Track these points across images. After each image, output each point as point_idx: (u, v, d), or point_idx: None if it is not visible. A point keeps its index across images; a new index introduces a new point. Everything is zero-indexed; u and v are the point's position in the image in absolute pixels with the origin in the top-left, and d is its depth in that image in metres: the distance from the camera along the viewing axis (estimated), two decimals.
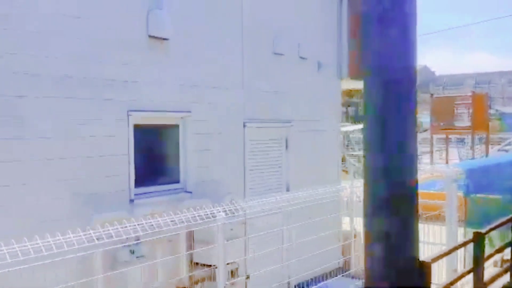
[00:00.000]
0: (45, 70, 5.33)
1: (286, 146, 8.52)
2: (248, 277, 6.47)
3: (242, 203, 5.86)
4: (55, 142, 5.36)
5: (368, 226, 3.54)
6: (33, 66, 5.22)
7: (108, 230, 4.97)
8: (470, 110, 20.51)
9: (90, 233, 4.77)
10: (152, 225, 5.32)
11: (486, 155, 18.97)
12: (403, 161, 3.45)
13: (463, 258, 8.03)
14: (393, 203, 3.40)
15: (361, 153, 24.76)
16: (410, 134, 3.44)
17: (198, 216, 5.51)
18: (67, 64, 5.51)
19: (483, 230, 6.47)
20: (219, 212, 5.16)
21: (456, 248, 6.66)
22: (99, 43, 5.83)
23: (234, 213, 5.49)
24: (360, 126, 27.17)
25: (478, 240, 6.37)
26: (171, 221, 5.49)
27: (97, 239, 4.81)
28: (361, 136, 30.44)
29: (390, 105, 3.40)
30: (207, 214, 5.37)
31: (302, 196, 6.93)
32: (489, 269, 7.59)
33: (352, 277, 8.42)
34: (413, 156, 3.48)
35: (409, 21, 3.45)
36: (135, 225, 5.30)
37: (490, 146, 22.04)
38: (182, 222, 5.48)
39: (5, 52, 5.04)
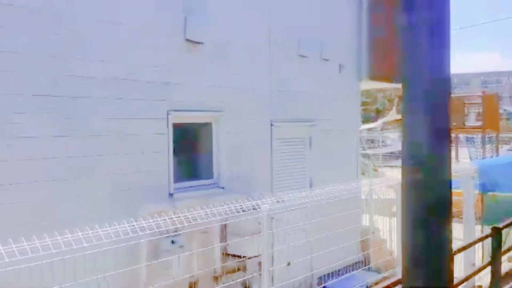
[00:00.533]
0: (95, 73, 5.74)
1: (310, 145, 8.91)
2: (289, 264, 6.87)
3: (280, 196, 6.21)
4: (105, 139, 5.78)
5: (407, 232, 3.84)
6: (84, 69, 5.63)
7: (155, 221, 5.37)
8: (481, 110, 20.76)
9: (134, 225, 5.17)
10: (193, 217, 5.72)
11: (497, 155, 19.26)
12: (439, 170, 3.76)
13: (481, 254, 8.38)
14: (431, 211, 3.70)
15: (368, 151, 25.11)
16: (446, 143, 3.78)
17: (235, 209, 5.90)
18: (114, 67, 5.92)
19: (500, 225, 6.84)
20: (264, 204, 5.54)
21: (474, 242, 7.03)
22: (142, 47, 6.24)
23: (279, 203, 5.87)
24: (369, 125, 27.46)
25: (496, 234, 6.74)
26: (211, 213, 5.89)
27: (142, 230, 5.20)
28: (370, 134, 30.74)
29: (427, 115, 3.73)
30: (248, 207, 5.76)
31: (325, 193, 7.30)
32: (504, 263, 7.95)
33: (372, 271, 8.78)
34: (447, 164, 3.79)
35: (446, 33, 3.81)
36: (177, 217, 5.71)
37: (499, 146, 22.32)
38: (221, 214, 5.88)
39: (61, 56, 5.45)
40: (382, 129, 30.98)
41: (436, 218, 3.76)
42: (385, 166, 23.52)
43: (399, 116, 27.03)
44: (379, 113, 38.29)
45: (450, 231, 4.00)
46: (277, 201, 5.73)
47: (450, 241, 3.95)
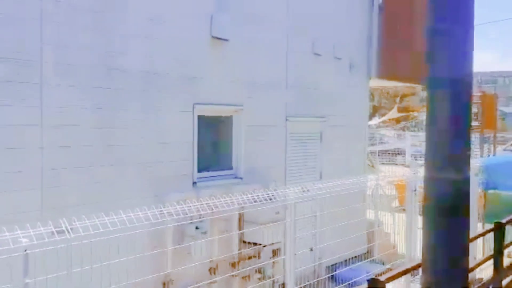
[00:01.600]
0: (129, 66, 6.08)
1: (321, 139, 9.28)
2: (311, 249, 7.25)
3: (305, 186, 6.54)
4: (138, 130, 6.13)
5: (427, 225, 4.19)
6: (124, 64, 5.99)
7: (181, 207, 5.72)
8: (479, 110, 21.12)
9: (163, 210, 5.51)
10: (215, 205, 6.07)
11: (494, 154, 19.68)
12: (458, 165, 4.10)
13: (482, 249, 8.77)
14: (451, 207, 4.04)
15: (371, 147, 25.50)
16: (467, 143, 4.14)
17: (254, 198, 6.26)
18: (149, 61, 6.27)
19: (503, 221, 7.24)
20: (291, 193, 5.92)
21: (477, 237, 7.43)
22: (172, 43, 6.58)
23: (306, 192, 6.23)
24: (372, 121, 27.80)
25: (499, 229, 7.14)
26: (231, 202, 6.24)
27: (169, 215, 5.54)
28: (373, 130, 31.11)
29: (451, 115, 4.08)
30: (267, 197, 6.12)
31: (336, 186, 7.65)
32: (504, 258, 8.34)
33: (377, 262, 9.15)
34: (467, 159, 4.14)
35: (470, 36, 4.15)
36: (201, 205, 6.06)
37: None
38: (242, 203, 6.24)
39: (104, 51, 5.80)
40: (378, 127, 31.33)
41: (455, 212, 4.13)
42: (382, 163, 23.92)
43: (399, 114, 27.43)
44: (376, 111, 38.60)
45: (468, 223, 4.39)
46: (303, 191, 6.09)
47: (467, 232, 4.34)
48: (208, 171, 7.23)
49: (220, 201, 6.13)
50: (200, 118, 6.99)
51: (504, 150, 27.01)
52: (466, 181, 4.19)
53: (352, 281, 7.32)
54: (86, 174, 5.65)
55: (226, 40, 7.24)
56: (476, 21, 4.41)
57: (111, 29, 5.90)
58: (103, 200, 5.63)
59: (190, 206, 5.93)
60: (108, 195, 5.77)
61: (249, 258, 7.31)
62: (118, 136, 5.96)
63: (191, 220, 6.31)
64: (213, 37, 7.09)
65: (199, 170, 6.99)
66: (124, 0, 6.09)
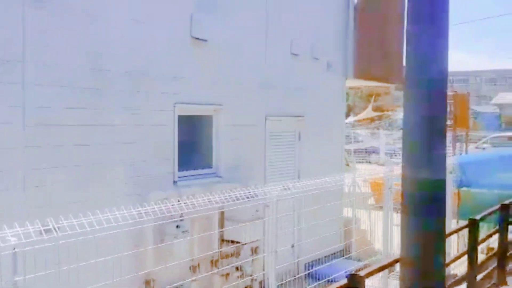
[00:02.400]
0: (111, 66, 6.10)
1: (299, 138, 9.40)
2: (292, 246, 7.35)
3: (286, 184, 6.63)
4: (120, 129, 6.15)
5: (404, 217, 4.33)
6: (108, 64, 6.00)
7: (163, 206, 5.76)
8: (452, 109, 21.50)
9: (141, 210, 5.54)
10: (197, 204, 6.13)
11: (466, 152, 20.10)
12: (435, 165, 4.25)
13: (457, 245, 9.01)
14: (427, 205, 4.18)
15: (347, 146, 25.78)
16: (442, 134, 4.30)
17: (235, 196, 6.33)
18: (131, 61, 6.29)
19: (477, 217, 7.46)
20: (273, 190, 6.00)
21: (452, 233, 7.63)
22: (152, 43, 6.61)
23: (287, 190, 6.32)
24: (348, 120, 28.11)
25: (473, 225, 7.36)
26: (211, 200, 6.30)
27: (147, 215, 5.56)
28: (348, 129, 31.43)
29: (427, 115, 4.22)
30: (247, 195, 6.20)
31: (314, 184, 7.77)
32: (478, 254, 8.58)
33: (354, 259, 9.32)
34: (443, 159, 4.29)
35: (445, 37, 4.29)
36: (184, 204, 6.11)
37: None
38: (222, 202, 6.31)
39: (88, 52, 5.80)
40: (353, 126, 31.71)
41: (431, 210, 4.26)
42: (357, 161, 24.21)
43: (373, 114, 27.80)
44: (350, 110, 39.06)
45: (443, 220, 4.53)
46: (284, 189, 6.19)
47: (443, 229, 4.48)
48: (189, 170, 7.28)
49: (203, 199, 6.20)
50: (181, 117, 7.04)
51: (476, 148, 27.63)
52: (442, 179, 4.35)
53: (330, 277, 7.45)
54: (69, 174, 5.65)
55: (206, 40, 7.29)
56: (450, 21, 4.58)
57: (93, 29, 5.90)
58: (87, 200, 5.64)
59: (172, 205, 5.99)
60: (92, 194, 5.78)
61: (227, 256, 7.37)
62: (101, 136, 5.97)
63: (172, 219, 6.35)
64: (193, 37, 7.14)
65: (180, 169, 7.03)
66: (106, 1, 6.09)
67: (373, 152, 28.73)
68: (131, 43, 6.32)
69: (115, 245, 5.03)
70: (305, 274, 8.02)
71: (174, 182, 6.91)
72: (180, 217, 6.55)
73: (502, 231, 8.20)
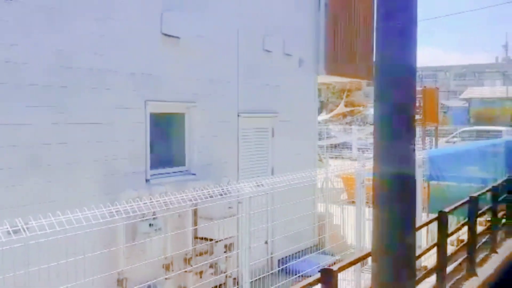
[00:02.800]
0: (81, 64, 6.02)
1: (272, 135, 9.44)
2: (266, 242, 7.37)
3: (259, 181, 6.66)
4: (90, 127, 6.08)
5: (375, 211, 4.40)
6: (75, 61, 5.92)
7: (134, 205, 5.72)
8: (422, 103, 21.81)
9: (111, 209, 5.49)
10: (169, 202, 6.11)
11: (436, 147, 20.44)
12: (405, 159, 4.32)
13: (426, 237, 9.18)
14: (398, 199, 4.26)
15: (320, 142, 25.98)
16: (412, 129, 4.38)
17: (209, 194, 6.33)
18: (97, 59, 6.21)
19: (446, 210, 7.62)
20: (246, 187, 6.01)
21: (422, 226, 7.78)
22: (123, 40, 6.54)
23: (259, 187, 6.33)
24: (320, 117, 28.34)
25: (442, 218, 7.52)
26: (187, 198, 6.28)
27: (119, 214, 5.51)
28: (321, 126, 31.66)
29: (397, 111, 4.30)
30: (220, 192, 6.20)
31: (287, 180, 7.82)
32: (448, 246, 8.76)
33: (327, 254, 9.41)
34: (413, 153, 4.37)
35: (413, 29, 4.37)
36: (157, 202, 6.08)
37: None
38: (196, 200, 6.30)
39: (54, 49, 5.71)
40: (326, 122, 31.95)
41: (402, 203, 4.34)
42: (330, 157, 24.41)
43: (346, 109, 28.06)
44: (323, 106, 39.35)
45: (414, 213, 4.61)
46: (257, 185, 6.21)
47: (414, 222, 4.56)
48: (162, 168, 7.24)
49: (176, 197, 6.18)
50: (153, 115, 6.99)
51: (446, 142, 28.13)
52: (412, 173, 4.44)
53: (304, 272, 7.52)
54: (39, 174, 5.57)
55: (177, 37, 7.25)
56: (419, 17, 4.66)
57: (62, 27, 5.81)
58: (57, 199, 5.57)
59: (144, 203, 5.95)
60: (62, 194, 5.71)
61: (201, 254, 7.37)
62: (71, 134, 5.89)
63: (145, 217, 6.31)
64: (163, 34, 7.09)
65: (152, 167, 6.99)
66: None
67: (346, 147, 29.05)
68: (100, 40, 6.25)
69: (86, 244, 5.01)
70: (279, 270, 8.07)
71: (147, 180, 6.86)
72: (153, 215, 6.52)
73: (471, 224, 8.39)
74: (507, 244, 10.10)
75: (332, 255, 9.40)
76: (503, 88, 50.22)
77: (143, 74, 6.83)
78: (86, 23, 6.10)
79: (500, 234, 10.24)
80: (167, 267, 6.90)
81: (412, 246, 4.47)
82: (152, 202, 6.04)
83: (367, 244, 8.43)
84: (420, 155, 9.76)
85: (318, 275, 4.87)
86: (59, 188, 5.75)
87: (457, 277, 8.11)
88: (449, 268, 7.87)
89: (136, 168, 6.72)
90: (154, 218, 6.52)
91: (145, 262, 6.07)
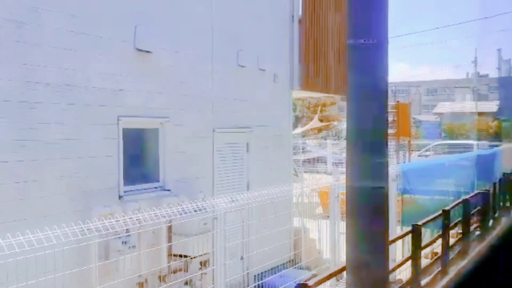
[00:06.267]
0: (50, 79, 5.94)
1: (247, 149, 9.43)
2: (242, 258, 7.30)
3: (233, 196, 6.63)
4: (59, 144, 5.97)
5: (348, 224, 4.42)
6: (40, 76, 5.82)
7: (108, 222, 5.63)
8: (395, 118, 22.12)
9: (88, 226, 5.40)
10: (143, 219, 6.03)
11: (409, 160, 20.70)
12: (377, 173, 4.36)
13: (401, 251, 9.23)
14: (371, 213, 4.28)
15: (295, 157, 26.06)
16: (384, 143, 4.43)
17: (183, 210, 6.27)
18: (68, 73, 6.13)
19: (419, 223, 7.69)
20: (221, 203, 5.97)
21: (397, 239, 7.83)
22: (94, 55, 6.48)
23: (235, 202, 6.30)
24: (295, 131, 28.47)
25: (416, 231, 7.58)
26: (158, 215, 6.21)
27: (90, 232, 5.42)
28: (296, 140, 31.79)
29: (369, 125, 4.34)
30: (195, 208, 6.15)
31: (263, 195, 7.81)
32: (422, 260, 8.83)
33: (303, 268, 9.39)
34: (385, 167, 4.41)
35: (385, 50, 4.44)
36: (129, 219, 5.99)
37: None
38: (170, 216, 6.23)
39: (18, 63, 5.61)
40: (301, 136, 32.10)
41: (375, 217, 4.36)
42: (305, 171, 24.49)
43: (320, 124, 28.25)
44: (298, 121, 39.55)
45: (387, 227, 4.63)
46: (232, 201, 6.17)
47: (387, 235, 4.58)
48: (135, 184, 7.15)
49: (150, 214, 6.10)
50: (126, 130, 6.91)
51: (419, 156, 28.52)
52: (384, 187, 4.46)
53: None
54: (8, 191, 5.43)
55: (150, 52, 7.22)
56: (390, 33, 4.73)
57: (29, 41, 5.73)
58: (27, 217, 5.44)
59: (117, 220, 5.86)
60: (32, 212, 5.58)
61: (176, 271, 7.26)
62: (40, 152, 5.78)
63: (118, 234, 6.21)
64: (137, 49, 7.05)
65: (126, 183, 6.90)
66: (44, 12, 5.93)
67: (321, 161, 29.18)
68: (70, 55, 6.17)
69: (57, 264, 4.90)
70: (255, 286, 8.01)
71: (120, 197, 6.76)
72: (127, 232, 6.42)
73: (444, 236, 8.48)
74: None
75: (308, 269, 9.40)
76: (473, 103, 51.32)
77: (116, 90, 6.76)
78: (53, 36, 6.01)
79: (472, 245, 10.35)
80: (141, 285, 6.79)
81: (385, 260, 4.48)
82: (125, 219, 5.98)
83: (342, 257, 8.45)
84: (394, 169, 9.87)
85: None
86: (29, 206, 5.62)
87: None
88: (423, 281, 7.92)
89: (109, 185, 6.62)
90: (127, 236, 6.42)
91: (118, 281, 5.97)
